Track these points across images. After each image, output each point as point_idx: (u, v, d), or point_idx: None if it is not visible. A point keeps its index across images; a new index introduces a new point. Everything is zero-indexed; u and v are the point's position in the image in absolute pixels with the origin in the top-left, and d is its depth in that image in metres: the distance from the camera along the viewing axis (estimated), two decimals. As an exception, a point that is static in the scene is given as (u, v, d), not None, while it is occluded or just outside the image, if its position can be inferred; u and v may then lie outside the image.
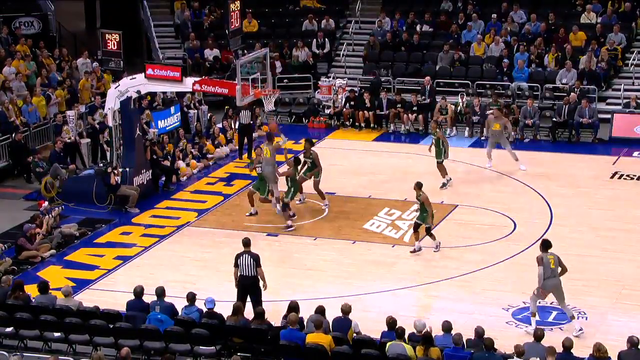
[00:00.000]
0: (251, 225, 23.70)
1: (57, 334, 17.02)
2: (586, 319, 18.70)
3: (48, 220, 23.05)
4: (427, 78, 32.17)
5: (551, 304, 19.25)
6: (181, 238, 23.47)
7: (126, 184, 25.22)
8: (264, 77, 25.57)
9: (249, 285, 18.34)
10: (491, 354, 15.31)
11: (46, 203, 23.92)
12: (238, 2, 28.39)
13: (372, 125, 31.69)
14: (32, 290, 18.52)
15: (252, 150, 29.08)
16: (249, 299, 18.33)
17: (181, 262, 21.92)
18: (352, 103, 32.19)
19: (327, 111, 32.77)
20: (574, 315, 18.36)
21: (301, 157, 24.64)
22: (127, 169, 25.37)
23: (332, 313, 16.79)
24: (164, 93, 31.20)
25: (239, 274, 18.36)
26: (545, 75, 32.76)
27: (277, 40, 36.37)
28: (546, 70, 32.94)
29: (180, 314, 17.20)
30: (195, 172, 27.93)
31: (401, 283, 20.63)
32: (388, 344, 15.53)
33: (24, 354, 16.46)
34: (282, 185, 23.94)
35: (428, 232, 21.79)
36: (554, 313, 18.91)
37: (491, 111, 30.55)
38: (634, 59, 32.79)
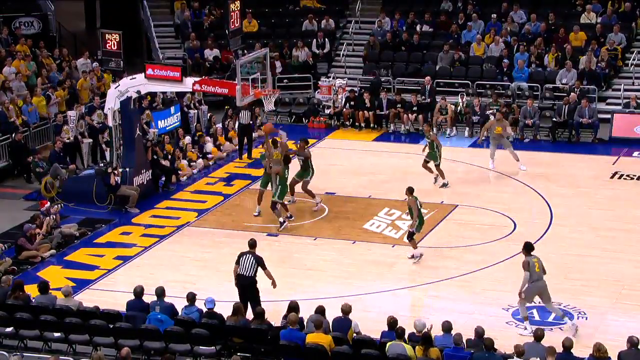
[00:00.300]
0: (251, 225, 23.70)
1: (57, 334, 17.02)
2: (586, 319, 18.70)
3: (49, 222, 23.04)
4: (427, 78, 32.18)
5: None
6: (181, 238, 23.47)
7: (126, 184, 25.22)
8: (264, 77, 25.57)
9: (246, 285, 18.36)
10: (491, 354, 15.31)
11: (48, 203, 23.90)
12: (238, 2, 28.38)
13: (372, 125, 31.69)
14: (32, 290, 18.52)
15: (252, 150, 29.18)
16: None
17: (181, 262, 21.92)
18: (352, 103, 32.19)
19: (327, 111, 32.77)
20: (563, 314, 18.37)
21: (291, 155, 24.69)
22: (127, 169, 25.37)
23: (332, 313, 16.79)
24: (164, 93, 31.20)
25: (238, 272, 18.38)
26: (545, 75, 32.76)
27: (277, 40, 36.37)
28: (546, 70, 32.94)
29: (180, 314, 17.20)
30: (195, 172, 27.93)
31: (401, 283, 20.63)
32: (388, 344, 15.53)
33: (24, 354, 16.46)
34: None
35: (410, 237, 21.42)
36: (554, 313, 18.88)
37: (491, 111, 30.66)
38: (634, 59, 32.79)
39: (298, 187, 24.67)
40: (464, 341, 15.71)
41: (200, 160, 28.36)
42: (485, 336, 15.69)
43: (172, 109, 29.96)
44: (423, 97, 31.69)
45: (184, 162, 27.75)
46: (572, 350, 15.27)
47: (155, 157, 26.53)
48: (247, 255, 18.45)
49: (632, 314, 19.06)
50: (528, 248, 18.35)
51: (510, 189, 26.22)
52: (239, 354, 16.10)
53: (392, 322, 16.10)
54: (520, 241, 22.18)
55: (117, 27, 29.61)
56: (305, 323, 16.55)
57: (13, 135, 27.82)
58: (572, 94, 30.94)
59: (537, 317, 18.75)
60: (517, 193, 25.84)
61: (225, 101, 31.77)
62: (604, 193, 25.66)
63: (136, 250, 22.67)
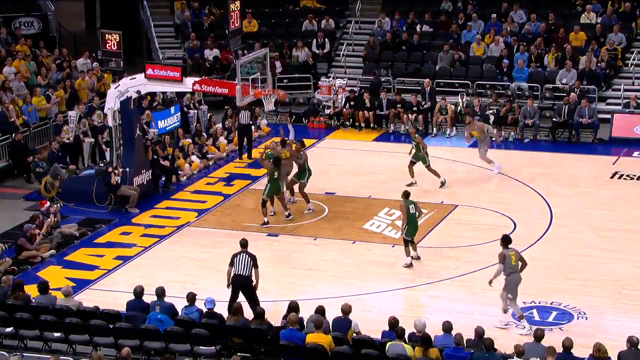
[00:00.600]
0: (250, 225, 23.70)
1: (57, 334, 17.02)
2: (586, 319, 18.71)
3: (49, 222, 23.03)
4: (427, 80, 32.13)
5: (551, 304, 19.28)
6: (181, 238, 23.47)
7: (126, 184, 25.22)
8: (264, 77, 25.57)
9: (241, 285, 18.36)
10: (491, 354, 15.32)
11: (48, 203, 23.90)
12: (238, 2, 28.37)
13: (372, 125, 31.68)
14: (32, 290, 18.52)
15: (252, 150, 29.17)
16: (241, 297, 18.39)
17: (181, 262, 21.92)
18: (352, 103, 32.18)
19: (327, 111, 32.77)
20: (507, 310, 18.38)
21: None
22: (127, 169, 25.37)
23: (332, 313, 16.79)
24: (164, 93, 31.21)
25: (232, 273, 18.38)
26: (545, 75, 32.75)
27: (277, 40, 36.36)
28: (546, 70, 32.94)
29: (180, 314, 17.20)
30: (195, 172, 27.93)
31: (401, 283, 20.63)
32: (388, 344, 15.53)
33: (24, 354, 16.46)
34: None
35: (405, 243, 21.23)
36: (554, 313, 18.91)
37: (491, 111, 30.70)
38: (634, 59, 32.79)
39: (297, 187, 24.67)
40: (464, 341, 15.71)
41: (199, 161, 28.37)
42: (485, 336, 15.69)
43: (172, 109, 29.97)
44: (424, 101, 31.60)
45: (186, 164, 27.72)
46: (572, 350, 15.27)
47: (155, 157, 26.53)
48: (242, 254, 18.46)
49: (632, 314, 19.06)
50: (506, 241, 18.50)
51: (510, 189, 26.22)
52: (239, 354, 16.10)
53: (393, 322, 16.10)
54: (520, 241, 22.29)
55: (117, 27, 29.60)
56: (305, 323, 16.55)
57: (13, 135, 27.82)
58: (572, 94, 30.94)
59: (536, 317, 18.76)
60: (517, 193, 25.84)
61: (225, 101, 31.77)
62: (604, 193, 25.66)
63: (136, 250, 22.67)
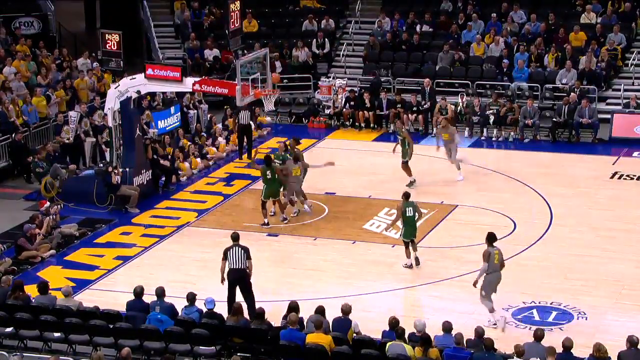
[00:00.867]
0: (251, 225, 23.70)
1: (57, 334, 17.02)
2: (586, 319, 18.71)
3: (49, 222, 23.04)
4: (427, 80, 32.12)
5: (551, 304, 19.28)
6: (181, 238, 23.48)
7: (126, 184, 25.21)
8: (264, 77, 25.57)
9: (238, 279, 18.39)
10: (491, 354, 15.31)
11: (48, 203, 23.91)
12: (238, 2, 28.36)
13: (372, 125, 31.68)
14: (32, 290, 18.51)
15: (252, 150, 29.14)
16: (238, 291, 18.42)
17: (181, 262, 21.92)
18: (352, 103, 32.19)
19: (327, 111, 32.78)
20: (493, 308, 18.41)
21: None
22: (127, 169, 25.36)
23: (332, 313, 16.79)
24: (164, 93, 31.21)
25: (228, 267, 18.39)
26: (545, 75, 32.75)
27: (277, 40, 36.37)
28: (546, 70, 32.94)
29: (180, 314, 17.20)
30: (195, 172, 27.93)
31: (401, 283, 20.64)
32: (388, 344, 15.53)
33: (24, 354, 16.45)
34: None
35: (405, 245, 21.13)
36: (554, 313, 18.91)
37: (491, 111, 30.69)
38: (634, 59, 32.79)
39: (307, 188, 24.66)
40: (464, 341, 15.71)
41: (199, 160, 28.37)
42: (485, 336, 15.69)
43: (172, 109, 29.96)
44: (423, 101, 31.59)
45: (186, 164, 27.71)
46: (572, 350, 15.26)
47: (155, 157, 26.52)
48: (235, 248, 18.45)
49: (632, 314, 19.06)
50: (490, 239, 18.52)
51: (510, 189, 26.22)
52: (239, 354, 16.10)
53: (393, 322, 16.09)
54: (520, 241, 22.33)
55: (117, 27, 29.60)
56: (305, 323, 16.55)
57: (13, 135, 27.83)
58: (572, 94, 30.94)
59: (536, 317, 18.76)
60: (517, 193, 25.84)
61: (225, 101, 31.77)
62: (604, 193, 25.66)
63: (136, 250, 22.67)
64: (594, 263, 21.32)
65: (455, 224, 23.71)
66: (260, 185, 25.55)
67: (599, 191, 25.83)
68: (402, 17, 36.46)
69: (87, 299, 18.95)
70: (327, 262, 21.74)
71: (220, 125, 30.83)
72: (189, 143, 28.84)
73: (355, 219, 24.09)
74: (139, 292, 17.49)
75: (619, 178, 26.76)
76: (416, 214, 21.03)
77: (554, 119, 30.49)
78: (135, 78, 25.56)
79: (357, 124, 31.87)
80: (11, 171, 27.88)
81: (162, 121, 29.30)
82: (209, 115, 31.85)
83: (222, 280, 18.50)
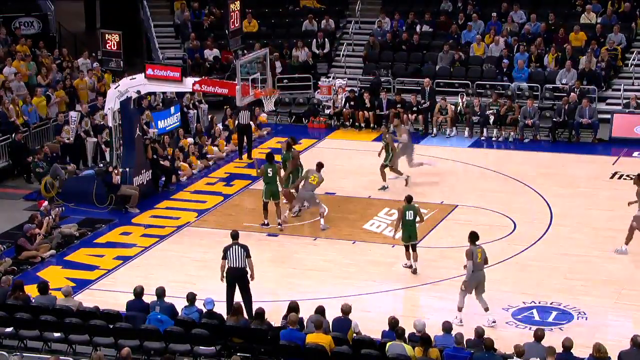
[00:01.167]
0: (251, 225, 23.70)
1: (57, 334, 17.02)
2: (586, 319, 18.71)
3: (48, 222, 23.04)
4: (427, 80, 32.11)
5: (551, 304, 19.28)
6: (181, 238, 23.48)
7: (126, 184, 25.21)
8: (264, 77, 25.57)
9: (238, 277, 18.42)
10: (491, 354, 15.32)
11: (46, 203, 23.92)
12: (238, 2, 28.37)
13: (372, 125, 31.68)
14: (32, 290, 18.51)
15: (252, 151, 29.16)
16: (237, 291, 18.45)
17: (181, 262, 21.92)
18: (352, 103, 32.19)
19: (327, 111, 32.78)
20: (488, 308, 18.48)
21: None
22: (127, 169, 25.36)
23: (332, 313, 16.79)
24: (164, 93, 31.21)
25: (227, 266, 18.41)
26: (545, 75, 32.76)
27: (277, 40, 36.37)
28: (546, 70, 32.94)
29: (180, 314, 17.20)
30: (195, 172, 27.93)
31: (401, 283, 20.63)
32: (388, 344, 15.53)
33: (24, 354, 16.46)
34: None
35: (406, 247, 20.98)
36: (554, 313, 18.91)
37: (491, 111, 30.68)
38: (634, 59, 32.79)
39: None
40: (464, 341, 15.71)
41: (199, 161, 28.39)
42: (485, 336, 15.69)
43: (172, 109, 29.96)
44: (423, 100, 31.59)
45: (185, 164, 27.71)
46: (572, 351, 15.26)
47: (155, 156, 26.53)
48: (235, 246, 18.48)
49: (632, 314, 19.06)
50: (473, 237, 18.59)
51: (510, 188, 26.23)
52: (239, 354, 16.10)
53: (393, 322, 16.10)
54: (520, 241, 22.35)
55: (117, 27, 29.59)
56: (305, 323, 16.55)
57: (13, 135, 27.83)
58: (572, 94, 30.94)
59: (536, 317, 18.77)
60: (517, 193, 25.84)
61: (225, 101, 31.77)
62: (604, 193, 25.66)
63: (136, 250, 22.68)
64: (594, 263, 21.33)
65: (455, 224, 23.71)
66: (260, 185, 25.60)
67: (598, 191, 25.83)
68: (402, 17, 36.47)
69: (87, 299, 18.96)
70: (327, 262, 21.75)
71: (220, 125, 30.82)
72: (188, 143, 28.82)
73: (355, 219, 24.09)
74: (139, 292, 17.49)
75: (619, 178, 26.76)
76: (417, 217, 20.83)
77: (554, 119, 30.50)
78: (135, 78, 25.57)
79: (357, 124, 31.87)
80: (11, 171, 27.88)
81: (162, 121, 29.30)
82: (209, 116, 31.84)
83: (222, 277, 18.51)
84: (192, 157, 28.24)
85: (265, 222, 23.54)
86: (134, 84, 25.31)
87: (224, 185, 27.02)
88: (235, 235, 18.80)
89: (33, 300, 17.91)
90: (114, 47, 28.08)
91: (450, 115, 31.03)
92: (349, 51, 36.20)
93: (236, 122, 29.44)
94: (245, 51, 32.06)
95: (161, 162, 26.77)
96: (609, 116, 30.69)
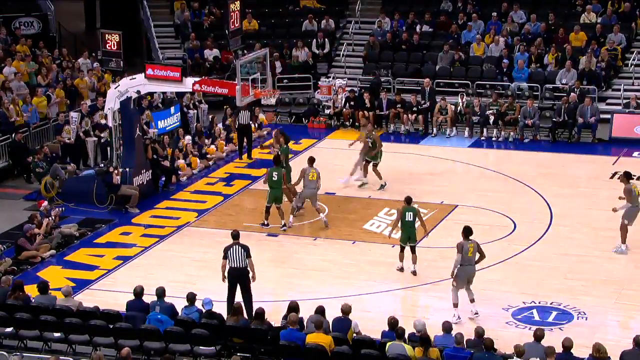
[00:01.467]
0: (251, 226, 23.70)
1: (57, 334, 17.02)
2: (586, 319, 18.71)
3: (48, 222, 23.04)
4: (427, 80, 32.09)
5: (551, 304, 19.28)
6: (181, 238, 23.48)
7: (126, 184, 25.21)
8: (264, 77, 25.57)
9: (239, 277, 18.45)
10: (491, 354, 15.32)
11: (46, 203, 23.92)
12: (238, 2, 28.37)
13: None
14: (32, 290, 18.51)
15: (252, 151, 29.15)
16: (238, 290, 18.46)
17: (181, 262, 21.92)
18: (352, 103, 32.19)
19: (327, 111, 32.79)
20: (474, 299, 18.62)
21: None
22: (127, 169, 25.36)
23: (332, 313, 16.79)
24: (164, 93, 31.21)
25: (228, 266, 18.43)
26: (545, 75, 32.76)
27: (277, 40, 36.38)
28: (546, 70, 32.94)
29: (180, 314, 17.19)
30: (195, 172, 27.93)
31: (401, 283, 20.63)
32: (388, 344, 15.53)
33: (24, 354, 16.46)
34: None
35: (401, 249, 20.83)
36: (554, 313, 18.91)
37: (491, 111, 30.70)
38: (633, 59, 32.79)
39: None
40: (464, 341, 15.71)
41: (198, 161, 28.37)
42: (485, 336, 15.69)
43: (172, 109, 29.96)
44: (423, 101, 31.56)
45: (183, 161, 27.71)
46: (572, 350, 15.26)
47: (155, 156, 26.53)
48: (235, 246, 18.50)
49: (632, 314, 19.07)
50: (466, 232, 18.74)
51: (510, 188, 26.23)
52: (239, 354, 16.10)
53: (392, 322, 16.10)
54: (520, 241, 22.35)
55: (117, 27, 29.59)
56: (305, 323, 16.55)
57: (13, 135, 27.83)
58: (572, 94, 30.95)
59: (536, 317, 18.77)
60: (517, 193, 25.84)
61: (225, 101, 31.77)
62: (604, 193, 25.62)
63: (136, 250, 22.68)
64: (594, 263, 21.32)
65: (455, 224, 23.64)
66: (260, 185, 25.64)
67: (598, 191, 25.82)
68: (402, 17, 36.47)
69: (87, 299, 18.95)
70: (327, 262, 21.75)
71: (220, 125, 30.81)
72: (186, 142, 28.76)
73: (355, 219, 24.09)
74: (138, 292, 17.49)
75: (619, 178, 26.70)
76: (416, 218, 20.73)
77: (554, 119, 30.50)
78: (135, 78, 25.57)
79: (357, 124, 31.85)
80: (11, 171, 27.89)
81: (162, 121, 29.30)
82: (209, 116, 31.84)
83: (223, 278, 18.53)
84: (192, 157, 28.23)
85: (265, 223, 23.52)
86: (134, 84, 25.32)
87: (224, 185, 27.01)
88: (235, 235, 18.80)
89: (33, 300, 17.90)
90: (114, 47, 28.07)
91: (450, 115, 31.03)
92: (349, 51, 36.21)
93: (236, 122, 29.43)
94: (245, 51, 32.08)
95: (161, 162, 26.76)
96: (609, 116, 30.69)
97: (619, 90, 32.23)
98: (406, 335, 15.90)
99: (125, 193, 25.04)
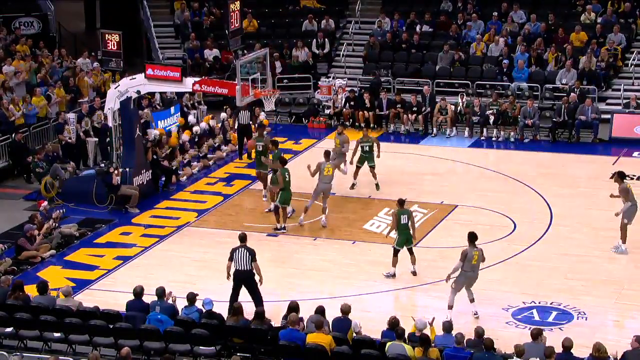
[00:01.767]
0: (251, 226, 23.69)
1: (57, 334, 17.02)
2: (586, 319, 18.70)
3: (49, 226, 23.02)
4: (426, 87, 32.06)
5: (551, 304, 19.28)
6: (181, 238, 23.47)
7: (126, 184, 25.20)
8: (264, 77, 25.57)
9: (244, 279, 18.51)
10: (491, 354, 15.32)
11: (45, 203, 23.92)
12: (238, 2, 28.38)
13: (372, 125, 31.67)
14: (31, 290, 18.50)
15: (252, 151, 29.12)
16: (242, 292, 18.49)
17: (181, 262, 21.92)
18: (352, 103, 32.18)
19: (327, 111, 32.79)
20: (473, 299, 18.68)
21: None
22: (127, 169, 25.36)
23: (332, 313, 16.79)
24: (164, 93, 31.20)
25: (233, 268, 18.45)
26: (545, 75, 32.75)
27: (277, 40, 36.37)
28: (546, 70, 32.94)
29: (180, 314, 17.19)
30: (195, 172, 27.93)
31: (401, 283, 20.62)
32: (388, 344, 15.53)
33: (24, 354, 16.46)
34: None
35: (394, 253, 20.74)
36: (554, 313, 18.91)
37: (491, 111, 30.68)
38: (633, 59, 32.78)
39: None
40: (464, 341, 15.71)
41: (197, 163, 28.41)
42: (485, 336, 15.69)
43: (172, 109, 29.96)
44: (424, 106, 31.49)
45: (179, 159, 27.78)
46: (572, 350, 15.26)
47: (155, 157, 26.52)
48: (241, 249, 18.54)
49: (632, 314, 19.07)
50: (472, 238, 18.68)
51: (510, 188, 26.22)
52: (239, 354, 16.10)
53: (393, 322, 16.11)
54: (520, 241, 22.35)
55: (117, 27, 29.62)
56: (305, 323, 16.55)
57: (13, 135, 27.83)
58: (572, 94, 30.95)
59: (536, 317, 18.76)
60: (517, 193, 25.84)
61: (225, 101, 31.76)
62: (604, 193, 25.55)
63: (136, 250, 22.67)
64: (594, 263, 21.32)
65: (455, 224, 23.70)
66: (260, 185, 25.62)
67: (598, 191, 25.76)
68: (402, 17, 36.47)
69: (87, 299, 18.95)
70: (327, 262, 21.75)
71: (220, 125, 30.78)
72: (180, 141, 28.70)
73: (355, 219, 24.09)
74: (138, 292, 17.49)
75: (613, 179, 26.67)
76: (410, 221, 20.62)
77: (554, 119, 30.49)
78: (135, 78, 25.56)
79: (357, 124, 31.86)
80: (11, 171, 27.88)
81: (162, 121, 29.30)
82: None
83: (228, 276, 18.60)
84: (189, 154, 28.25)
85: (282, 226, 23.22)
86: (134, 84, 25.31)
87: (224, 185, 27.01)
88: (242, 238, 18.85)
89: (32, 300, 17.90)
90: (114, 47, 28.10)
91: (450, 115, 31.02)
92: (349, 51, 36.20)
93: (236, 122, 29.43)
94: (245, 51, 32.08)
95: (161, 162, 26.76)
96: (609, 116, 30.68)
97: (619, 90, 32.23)
98: (406, 335, 15.90)
99: (125, 193, 25.04)
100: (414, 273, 20.76)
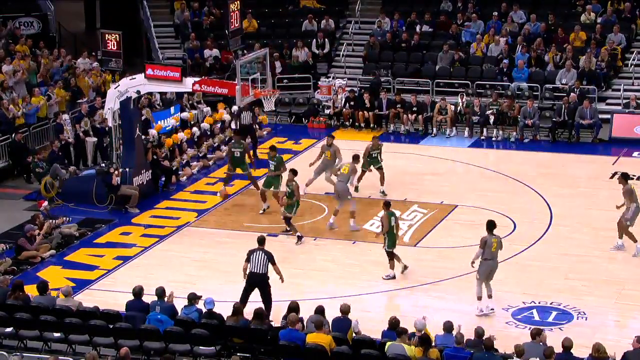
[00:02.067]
0: (251, 226, 23.69)
1: (57, 334, 17.02)
2: (586, 319, 18.70)
3: (50, 223, 23.03)
4: (427, 97, 32.02)
5: (551, 304, 19.28)
6: (181, 238, 23.47)
7: (126, 184, 25.20)
8: (264, 77, 25.56)
9: (258, 282, 18.53)
10: (491, 354, 15.32)
11: (46, 203, 23.92)
12: (238, 2, 28.37)
13: (372, 125, 31.67)
14: (32, 290, 18.50)
15: (256, 150, 29.09)
16: (251, 296, 18.48)
17: (181, 262, 21.92)
18: (352, 103, 32.18)
19: (327, 111, 32.78)
20: (491, 295, 18.87)
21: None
22: (127, 169, 25.36)
23: (332, 313, 16.79)
24: (164, 93, 31.19)
25: (249, 270, 18.48)
26: (545, 75, 32.75)
27: (277, 40, 36.37)
28: (546, 70, 32.93)
29: (180, 314, 17.19)
30: (195, 172, 27.93)
31: (401, 283, 20.62)
32: (388, 344, 15.53)
33: (24, 354, 16.46)
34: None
35: (389, 256, 20.71)
36: (554, 313, 18.92)
37: (491, 111, 30.68)
38: (633, 59, 32.77)
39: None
40: (464, 341, 15.71)
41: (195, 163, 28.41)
42: (485, 336, 15.69)
43: (172, 109, 29.95)
44: (425, 112, 31.44)
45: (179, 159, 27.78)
46: (572, 350, 15.26)
47: (155, 157, 26.52)
48: (258, 252, 18.58)
49: (633, 314, 19.07)
50: (490, 226, 18.89)
51: (510, 188, 26.22)
52: (238, 354, 16.10)
53: (393, 322, 16.10)
54: (520, 241, 22.34)
55: (117, 27, 29.61)
56: (305, 323, 16.55)
57: (13, 135, 27.83)
58: (572, 94, 30.94)
59: (536, 317, 18.77)
60: (517, 193, 25.84)
61: (225, 101, 31.73)
62: (604, 193, 25.63)
63: (136, 250, 22.67)
64: (594, 263, 21.32)
65: (455, 224, 23.71)
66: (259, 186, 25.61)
67: (598, 191, 25.82)
68: (402, 17, 36.45)
69: (87, 299, 18.95)
70: (327, 262, 21.74)
71: (220, 125, 30.77)
72: (179, 138, 28.67)
73: (355, 219, 24.05)
74: (138, 292, 17.49)
75: (618, 180, 26.67)
76: (396, 224, 20.65)
77: (554, 119, 30.49)
78: (135, 78, 25.56)
79: (357, 124, 31.86)
80: (11, 171, 27.87)
81: (162, 121, 29.29)
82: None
83: (245, 277, 18.63)
84: (187, 154, 28.25)
85: (298, 235, 22.88)
86: (134, 84, 25.31)
87: (224, 185, 26.96)
88: (261, 241, 18.87)
89: (32, 300, 17.90)
90: (114, 47, 28.09)
91: (450, 115, 31.02)
92: (349, 51, 36.19)
93: (237, 122, 29.41)
94: (245, 51, 32.05)
95: (161, 162, 26.75)
96: (609, 116, 30.68)
97: (619, 90, 32.22)
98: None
99: (125, 193, 25.04)
100: (404, 268, 20.73)
